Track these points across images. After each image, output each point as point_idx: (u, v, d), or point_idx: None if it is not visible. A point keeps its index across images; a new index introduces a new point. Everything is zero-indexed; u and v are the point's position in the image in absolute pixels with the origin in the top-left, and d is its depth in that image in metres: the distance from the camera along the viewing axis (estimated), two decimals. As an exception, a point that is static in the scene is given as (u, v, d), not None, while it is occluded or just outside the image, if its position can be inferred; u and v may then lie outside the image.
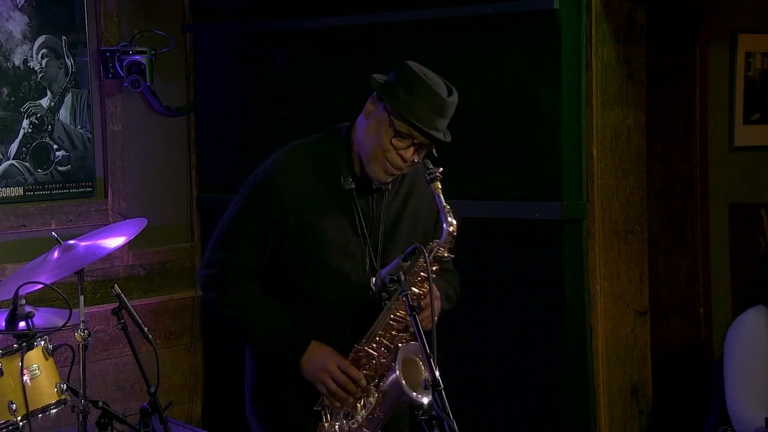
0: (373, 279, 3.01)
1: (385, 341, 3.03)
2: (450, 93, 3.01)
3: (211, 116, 5.22)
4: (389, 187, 3.12)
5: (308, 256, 3.08)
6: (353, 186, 3.07)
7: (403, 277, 2.89)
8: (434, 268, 2.99)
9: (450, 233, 2.96)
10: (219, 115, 5.16)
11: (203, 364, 5.32)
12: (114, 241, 3.64)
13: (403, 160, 3.00)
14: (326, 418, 3.07)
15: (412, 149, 3.00)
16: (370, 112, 3.05)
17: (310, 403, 3.10)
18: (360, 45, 4.60)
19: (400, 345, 3.01)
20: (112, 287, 3.46)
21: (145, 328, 3.46)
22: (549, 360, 4.22)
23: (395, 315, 3.02)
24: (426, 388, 2.73)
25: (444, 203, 2.96)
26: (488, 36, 4.28)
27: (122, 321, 3.46)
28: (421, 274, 2.98)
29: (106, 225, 4.68)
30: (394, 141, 2.98)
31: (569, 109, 4.17)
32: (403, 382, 2.93)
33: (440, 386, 2.72)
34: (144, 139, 5.16)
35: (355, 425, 3.04)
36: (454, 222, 2.96)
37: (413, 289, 2.98)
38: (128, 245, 4.66)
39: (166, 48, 5.05)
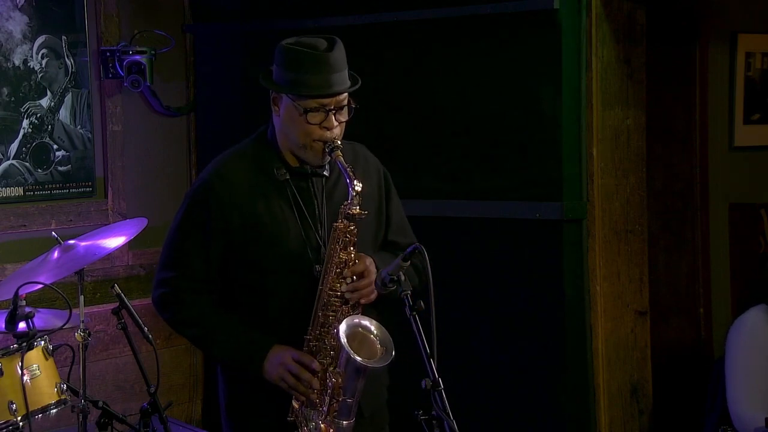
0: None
1: (329, 320, 3.03)
2: (331, 45, 3.03)
3: (211, 116, 5.22)
4: (326, 169, 3.13)
5: (255, 252, 3.09)
6: (287, 176, 3.10)
7: (403, 277, 2.89)
8: (353, 228, 3.02)
9: (357, 192, 3.00)
10: (219, 115, 5.16)
11: (203, 364, 5.31)
12: (114, 241, 3.64)
13: (330, 129, 3.02)
14: (301, 425, 3.06)
15: (331, 116, 3.02)
16: (277, 109, 3.09)
17: (283, 417, 3.08)
18: (360, 45, 4.60)
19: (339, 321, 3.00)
20: (112, 287, 3.46)
21: (145, 328, 3.46)
22: (549, 360, 4.22)
23: (329, 291, 3.03)
24: (426, 388, 2.73)
25: (348, 169, 3.00)
26: (488, 36, 4.28)
27: (122, 321, 3.46)
28: (345, 237, 3.02)
29: (106, 225, 4.68)
30: (310, 119, 3.01)
31: (569, 109, 4.17)
32: (350, 350, 2.92)
33: (440, 386, 2.72)
34: (144, 139, 5.16)
35: (329, 419, 3.02)
36: (359, 185, 3.01)
37: (341, 255, 3.02)
38: (128, 245, 4.66)
39: (166, 48, 5.05)
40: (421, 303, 2.84)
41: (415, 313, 2.81)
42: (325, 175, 3.14)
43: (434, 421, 2.71)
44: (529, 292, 4.25)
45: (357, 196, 3.00)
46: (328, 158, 3.06)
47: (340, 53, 3.04)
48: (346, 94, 3.06)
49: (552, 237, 4.19)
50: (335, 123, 3.03)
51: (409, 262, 2.90)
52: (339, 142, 3.03)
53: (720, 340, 4.87)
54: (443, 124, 4.43)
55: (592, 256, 4.25)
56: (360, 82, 3.09)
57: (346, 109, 3.07)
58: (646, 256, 4.53)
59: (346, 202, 3.02)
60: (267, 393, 3.09)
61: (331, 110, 3.01)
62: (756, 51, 5.32)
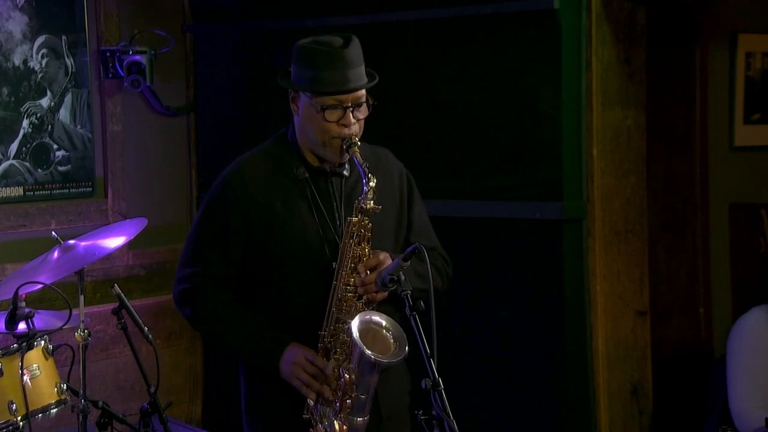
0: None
1: (343, 316, 3.02)
2: (347, 42, 3.04)
3: (211, 116, 5.22)
4: (346, 168, 3.13)
5: (273, 250, 3.09)
6: (306, 175, 3.10)
7: (403, 277, 2.89)
8: (367, 223, 3.01)
9: (372, 187, 2.99)
10: (219, 115, 5.16)
11: (203, 364, 5.32)
12: (114, 241, 3.64)
13: (348, 126, 3.02)
14: (315, 423, 3.05)
15: (348, 113, 3.02)
16: (296, 108, 3.10)
17: (300, 414, 3.07)
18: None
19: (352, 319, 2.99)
20: (112, 287, 3.46)
21: (145, 328, 3.46)
22: (549, 360, 4.22)
23: (343, 286, 3.02)
24: (426, 388, 2.73)
25: (363, 165, 3.00)
26: (488, 36, 4.28)
27: (122, 321, 3.45)
28: (359, 231, 3.01)
29: (106, 225, 4.67)
30: (327, 117, 3.01)
31: (569, 109, 4.17)
32: (363, 346, 2.90)
33: (440, 386, 2.72)
34: (144, 139, 5.16)
35: (342, 416, 3.01)
36: (374, 180, 3.00)
37: (355, 249, 3.01)
38: (128, 245, 4.66)
39: (166, 48, 5.05)
40: (421, 303, 2.84)
41: (415, 313, 2.81)
42: (345, 175, 3.14)
43: (434, 421, 2.71)
44: (529, 292, 4.25)
45: (371, 191, 3.00)
46: (347, 156, 3.06)
47: (356, 49, 3.05)
48: (363, 91, 3.05)
49: (552, 237, 4.19)
50: (353, 120, 3.02)
51: (409, 261, 2.90)
52: (357, 139, 3.02)
53: (720, 340, 4.88)
54: (443, 124, 4.43)
55: (592, 256, 4.25)
56: (377, 78, 3.09)
57: (364, 106, 3.06)
58: (646, 256, 4.53)
59: (360, 197, 3.02)
60: (286, 390, 3.08)
61: (348, 107, 3.01)
62: (756, 51, 5.31)
